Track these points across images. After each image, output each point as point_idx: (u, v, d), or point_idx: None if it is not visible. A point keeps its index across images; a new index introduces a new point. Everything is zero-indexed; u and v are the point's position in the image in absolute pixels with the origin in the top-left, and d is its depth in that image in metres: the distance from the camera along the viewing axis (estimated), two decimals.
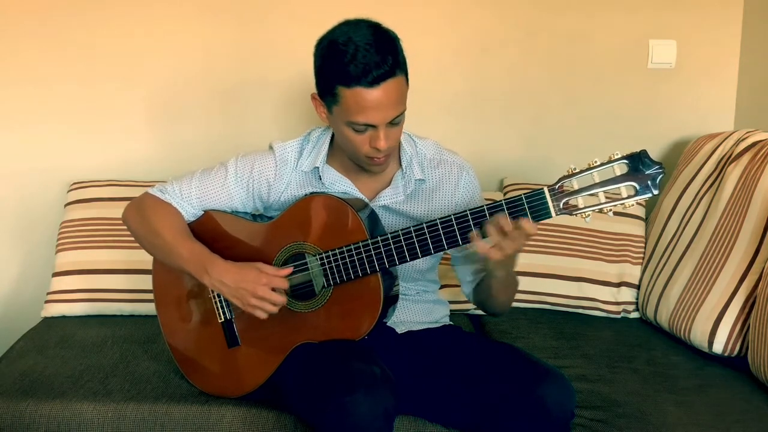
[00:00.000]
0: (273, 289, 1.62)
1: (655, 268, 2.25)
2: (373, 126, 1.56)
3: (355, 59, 1.50)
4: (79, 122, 2.50)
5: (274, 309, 1.63)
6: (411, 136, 1.75)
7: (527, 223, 1.48)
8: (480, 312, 2.30)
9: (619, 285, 2.32)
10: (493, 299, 1.74)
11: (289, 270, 1.64)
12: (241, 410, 1.72)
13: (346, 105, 1.54)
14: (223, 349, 1.76)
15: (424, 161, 1.75)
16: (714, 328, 1.94)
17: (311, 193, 1.69)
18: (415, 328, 1.78)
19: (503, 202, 1.51)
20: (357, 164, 1.69)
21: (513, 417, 1.52)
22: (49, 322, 2.25)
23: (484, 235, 1.52)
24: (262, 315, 1.64)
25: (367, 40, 1.52)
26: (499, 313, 1.84)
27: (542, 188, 1.49)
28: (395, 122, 1.58)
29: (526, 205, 1.49)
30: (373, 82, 1.51)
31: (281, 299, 1.63)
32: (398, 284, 1.68)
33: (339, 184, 1.72)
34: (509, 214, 1.50)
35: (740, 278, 1.93)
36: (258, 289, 1.61)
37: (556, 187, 1.48)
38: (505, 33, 2.52)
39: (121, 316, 2.29)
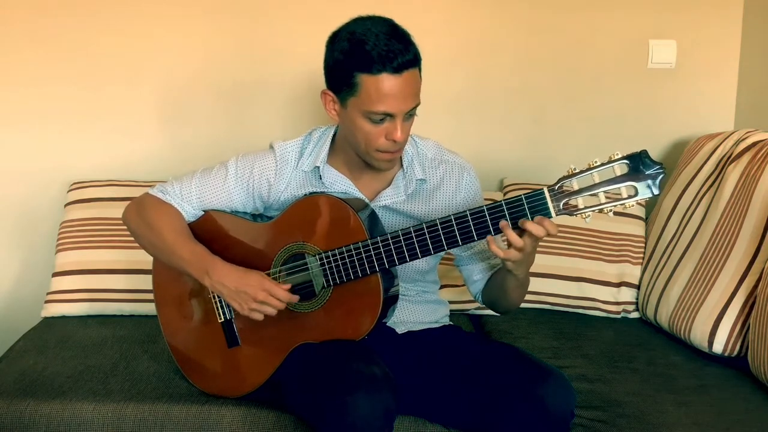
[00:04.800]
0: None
1: (655, 268, 2.25)
2: (391, 116, 1.56)
3: (378, 46, 1.51)
4: (80, 122, 2.50)
5: (273, 312, 1.63)
6: (412, 136, 1.75)
7: (549, 224, 1.48)
8: (480, 312, 2.31)
9: (619, 285, 2.32)
10: (506, 297, 1.73)
11: (288, 286, 1.64)
12: (241, 410, 1.72)
13: (366, 94, 1.54)
14: (223, 349, 1.76)
15: (425, 161, 1.75)
16: (714, 328, 1.94)
17: (311, 193, 1.69)
18: (415, 328, 1.78)
19: (503, 202, 1.51)
20: (363, 161, 1.68)
21: (513, 417, 1.52)
22: (49, 322, 2.25)
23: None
24: (259, 316, 1.64)
25: (386, 30, 1.54)
26: (508, 311, 1.83)
27: (542, 188, 1.49)
28: (410, 114, 1.59)
29: (526, 206, 1.49)
30: (398, 69, 1.52)
31: (281, 305, 1.63)
32: (398, 284, 1.68)
33: (339, 184, 1.72)
34: (509, 214, 1.50)
35: (740, 278, 1.93)
36: (259, 294, 1.61)
37: (556, 187, 1.48)
38: (505, 33, 2.52)
39: (121, 316, 2.28)
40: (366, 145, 1.62)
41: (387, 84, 1.53)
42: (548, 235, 1.50)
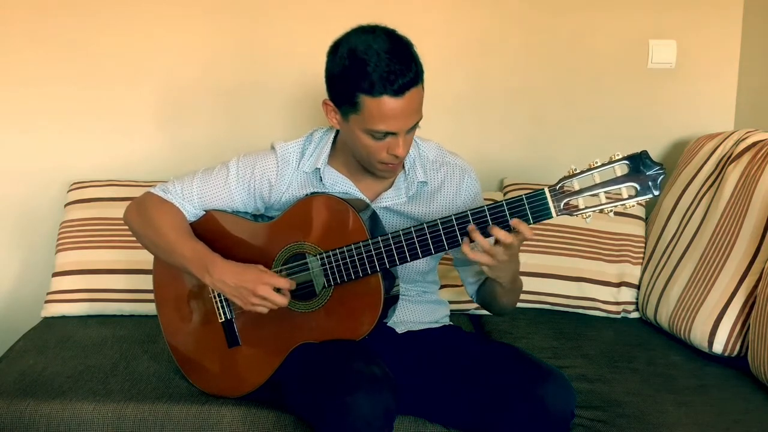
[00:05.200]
0: (275, 290, 1.62)
1: (655, 268, 2.25)
2: (393, 133, 1.56)
3: (380, 67, 1.50)
4: (80, 122, 2.50)
5: (275, 306, 1.63)
6: (414, 138, 1.75)
7: (523, 227, 1.48)
8: (480, 312, 2.31)
9: (619, 285, 2.32)
10: (496, 302, 1.74)
11: (291, 283, 1.64)
12: (241, 410, 1.72)
13: (368, 113, 1.54)
14: (223, 349, 1.76)
15: (426, 163, 1.75)
16: (714, 328, 1.94)
17: (312, 193, 1.69)
18: (415, 328, 1.78)
19: (504, 202, 1.51)
20: (364, 167, 1.68)
21: (513, 417, 1.52)
22: (49, 322, 2.25)
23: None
24: (263, 310, 1.64)
25: (387, 48, 1.51)
26: (502, 313, 1.84)
27: (543, 189, 1.49)
28: (413, 128, 1.59)
29: (526, 206, 1.49)
30: (399, 91, 1.51)
31: (283, 300, 1.62)
32: (398, 284, 1.68)
33: (340, 185, 1.72)
34: (510, 214, 1.50)
35: (740, 278, 1.93)
36: (259, 288, 1.61)
37: (557, 187, 1.48)
38: (505, 33, 2.52)
39: (121, 316, 2.28)
40: (368, 157, 1.62)
41: (388, 106, 1.52)
42: (524, 240, 1.49)
